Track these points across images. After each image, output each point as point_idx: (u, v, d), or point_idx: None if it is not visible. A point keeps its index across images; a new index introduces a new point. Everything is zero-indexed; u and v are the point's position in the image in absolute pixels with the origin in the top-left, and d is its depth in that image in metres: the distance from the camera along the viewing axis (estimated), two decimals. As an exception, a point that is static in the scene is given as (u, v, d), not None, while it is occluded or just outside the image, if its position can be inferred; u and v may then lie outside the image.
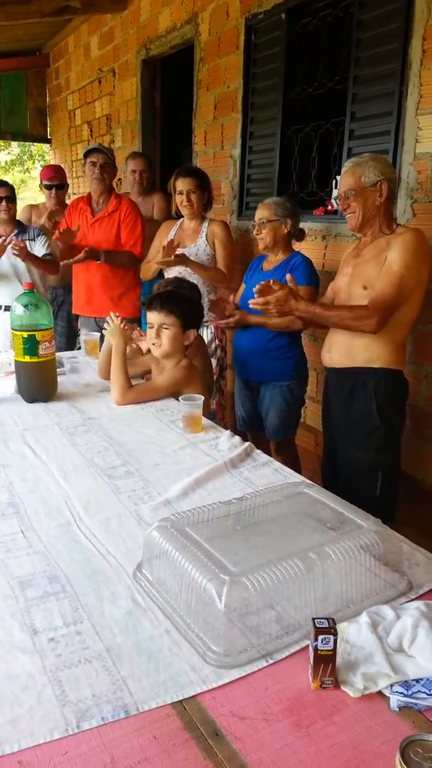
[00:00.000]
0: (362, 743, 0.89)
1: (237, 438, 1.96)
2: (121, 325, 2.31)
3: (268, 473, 1.74)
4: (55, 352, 2.35)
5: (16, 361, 2.27)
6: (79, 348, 3.45)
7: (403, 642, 1.04)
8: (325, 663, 0.97)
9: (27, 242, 3.70)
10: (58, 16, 5.59)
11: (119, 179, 4.50)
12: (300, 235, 2.91)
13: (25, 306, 2.22)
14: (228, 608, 1.03)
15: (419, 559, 1.33)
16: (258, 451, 1.89)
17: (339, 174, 2.36)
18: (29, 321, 2.21)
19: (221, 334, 3.39)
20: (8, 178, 13.60)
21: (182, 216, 3.38)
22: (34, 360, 2.22)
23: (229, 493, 1.57)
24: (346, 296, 2.33)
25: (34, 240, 3.75)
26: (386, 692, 0.97)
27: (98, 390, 2.45)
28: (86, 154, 3.64)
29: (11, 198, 3.72)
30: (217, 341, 3.36)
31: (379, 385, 2.28)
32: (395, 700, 0.96)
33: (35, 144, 12.22)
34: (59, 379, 2.43)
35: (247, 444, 1.91)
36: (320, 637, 0.96)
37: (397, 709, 0.95)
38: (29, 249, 3.62)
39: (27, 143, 12.87)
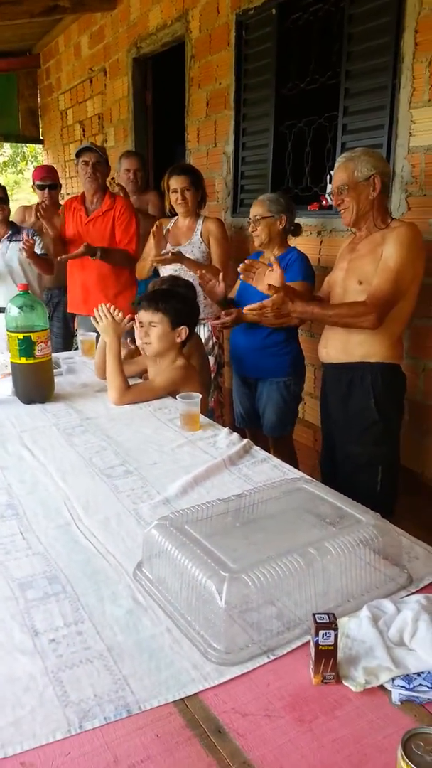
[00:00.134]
0: (364, 737, 0.89)
1: (235, 435, 1.96)
2: (114, 313, 2.30)
3: (267, 469, 1.74)
4: (52, 352, 2.34)
5: (12, 362, 2.26)
6: (76, 348, 3.45)
7: (404, 635, 1.04)
8: (327, 658, 0.97)
9: (21, 243, 3.69)
10: (47, 16, 5.57)
11: (112, 178, 4.49)
12: (297, 230, 2.91)
13: (20, 307, 2.21)
14: (228, 605, 1.03)
15: (419, 552, 1.33)
16: (257, 448, 1.89)
17: (333, 169, 2.36)
18: (24, 322, 2.21)
19: (218, 332, 3.38)
20: (1, 179, 13.61)
21: (176, 214, 3.37)
22: (31, 361, 2.22)
23: (228, 491, 1.57)
24: (342, 291, 2.33)
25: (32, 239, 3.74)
26: (388, 686, 0.98)
27: (95, 390, 2.45)
28: (78, 154, 3.63)
29: (4, 199, 3.72)
30: (214, 339, 3.36)
31: (376, 380, 2.28)
32: (397, 694, 0.96)
33: (28, 145, 12.20)
34: (56, 379, 2.43)
35: (245, 441, 1.91)
36: (321, 632, 0.96)
37: (399, 703, 0.95)
38: (24, 251, 3.62)
39: (19, 144, 12.85)
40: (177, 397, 2.06)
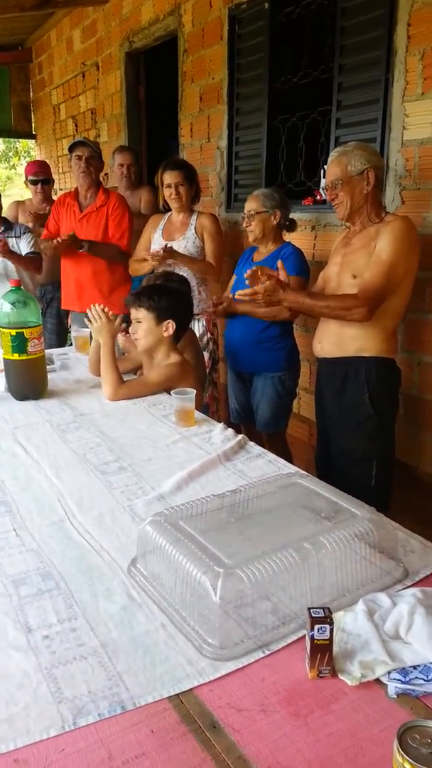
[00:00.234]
0: (360, 731, 0.89)
1: (230, 430, 1.95)
2: (107, 314, 2.30)
3: (262, 465, 1.73)
4: (46, 348, 2.33)
5: (4, 359, 2.25)
6: (70, 344, 3.43)
7: (399, 629, 1.04)
8: (322, 652, 0.97)
9: (13, 239, 3.67)
10: (38, 10, 5.53)
11: (106, 174, 4.47)
12: (291, 225, 2.91)
13: (13, 303, 2.20)
14: (223, 600, 1.02)
15: (414, 546, 1.33)
16: (251, 443, 1.89)
17: (326, 163, 2.35)
18: (17, 318, 2.19)
19: (213, 327, 3.38)
20: (-6, 175, 13.54)
21: (170, 209, 3.36)
22: (24, 358, 2.20)
23: (223, 486, 1.56)
24: (336, 285, 2.32)
25: (19, 237, 3.73)
26: (384, 679, 0.97)
27: (89, 386, 2.44)
28: (71, 148, 3.62)
29: (-4, 196, 3.70)
30: (209, 334, 3.35)
31: (370, 374, 2.28)
32: (393, 687, 0.96)
33: (20, 140, 12.13)
34: (50, 376, 2.42)
35: (240, 436, 1.91)
36: (316, 627, 0.96)
37: (395, 696, 0.95)
38: (14, 246, 3.60)
39: (12, 139, 12.78)
40: (171, 393, 2.05)
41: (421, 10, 2.54)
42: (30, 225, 4.13)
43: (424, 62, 2.55)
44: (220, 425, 2.00)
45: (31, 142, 9.57)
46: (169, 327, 2.27)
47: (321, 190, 3.24)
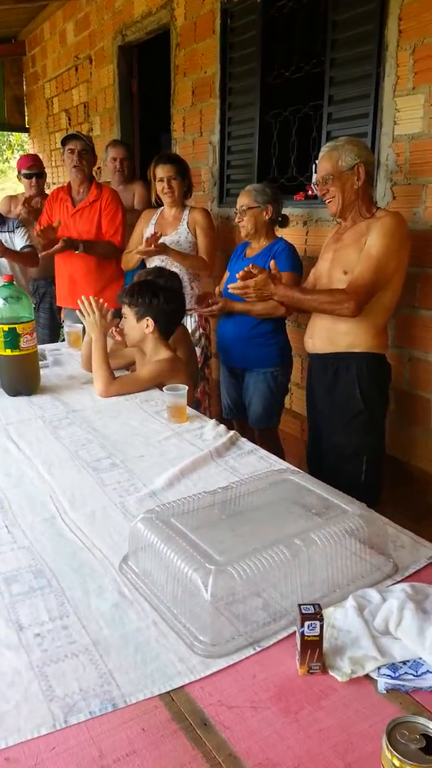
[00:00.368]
0: (350, 726, 0.89)
1: (222, 427, 1.96)
2: (101, 307, 2.30)
3: (254, 461, 1.74)
4: (39, 344, 2.32)
5: (-3, 354, 2.25)
6: (63, 340, 3.42)
7: (389, 625, 1.05)
8: (312, 648, 0.98)
9: (6, 234, 3.65)
10: (32, 2, 5.50)
11: (99, 168, 4.45)
12: (284, 221, 2.90)
13: (6, 299, 2.19)
14: (214, 597, 1.03)
15: (405, 541, 1.34)
16: (243, 440, 1.89)
17: (318, 158, 2.35)
18: (10, 314, 2.19)
19: (205, 323, 3.38)
20: (-14, 169, 13.45)
21: (162, 204, 3.35)
22: (16, 353, 2.20)
23: (215, 483, 1.56)
24: (327, 281, 2.33)
25: (13, 232, 3.70)
26: (374, 675, 0.98)
27: (82, 382, 2.44)
28: (64, 142, 3.60)
29: (-12, 190, 3.67)
30: (201, 330, 3.35)
31: (361, 370, 2.29)
32: (383, 683, 0.97)
33: (14, 133, 12.06)
34: (42, 371, 2.42)
35: (232, 432, 1.91)
36: (306, 623, 0.96)
37: (385, 692, 0.96)
38: (8, 242, 3.58)
39: (5, 133, 12.69)
40: (164, 389, 2.05)
41: (412, 4, 2.53)
42: (24, 214, 4.12)
43: (415, 57, 2.55)
44: (212, 421, 2.00)
45: (24, 136, 9.51)
46: (149, 324, 2.27)
47: (313, 185, 3.23)
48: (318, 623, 0.97)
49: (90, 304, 2.30)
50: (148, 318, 2.27)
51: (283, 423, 3.08)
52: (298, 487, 1.38)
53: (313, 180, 2.65)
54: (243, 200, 2.81)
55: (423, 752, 0.77)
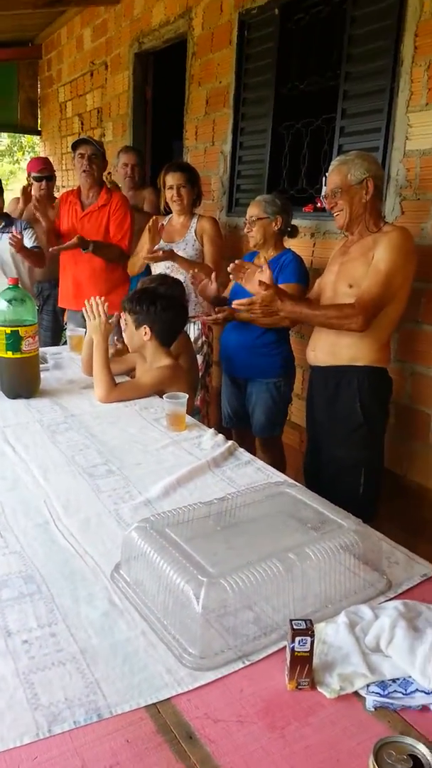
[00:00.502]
0: (337, 744, 0.88)
1: (220, 436, 1.95)
2: (105, 310, 2.30)
3: (251, 472, 1.73)
4: (40, 346, 2.32)
5: (-2, 356, 2.24)
6: (65, 343, 3.42)
7: (380, 642, 1.04)
8: (302, 664, 0.97)
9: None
10: (50, 7, 5.53)
11: (109, 173, 4.46)
12: (293, 232, 2.91)
13: (9, 301, 2.19)
14: (206, 610, 1.02)
15: (399, 557, 1.33)
16: (241, 450, 1.88)
17: (328, 171, 2.35)
18: (13, 316, 2.18)
19: (208, 331, 3.37)
20: (-2, 169, 13.53)
21: (171, 212, 3.36)
22: (17, 356, 2.20)
23: (211, 493, 1.56)
24: (332, 294, 2.32)
25: (21, 233, 3.71)
26: (362, 692, 0.97)
27: (81, 387, 2.43)
28: (75, 146, 3.61)
29: (-1, 191, 3.69)
30: (203, 337, 3.34)
31: (362, 383, 2.28)
32: (371, 701, 0.96)
33: (25, 135, 12.12)
34: (42, 375, 2.41)
35: (230, 443, 1.90)
36: (297, 639, 0.96)
37: (373, 709, 0.95)
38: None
39: (17, 134, 12.77)
40: (164, 397, 2.05)
41: (429, 21, 2.54)
42: (34, 212, 4.13)
43: (429, 73, 2.55)
44: (211, 431, 1.99)
45: (36, 138, 9.57)
46: (147, 332, 2.27)
47: (322, 198, 3.24)
48: (309, 639, 0.96)
49: (95, 306, 2.30)
50: (145, 326, 2.28)
51: (283, 434, 3.07)
52: (294, 500, 1.37)
53: (323, 193, 2.65)
54: (253, 210, 2.81)
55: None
